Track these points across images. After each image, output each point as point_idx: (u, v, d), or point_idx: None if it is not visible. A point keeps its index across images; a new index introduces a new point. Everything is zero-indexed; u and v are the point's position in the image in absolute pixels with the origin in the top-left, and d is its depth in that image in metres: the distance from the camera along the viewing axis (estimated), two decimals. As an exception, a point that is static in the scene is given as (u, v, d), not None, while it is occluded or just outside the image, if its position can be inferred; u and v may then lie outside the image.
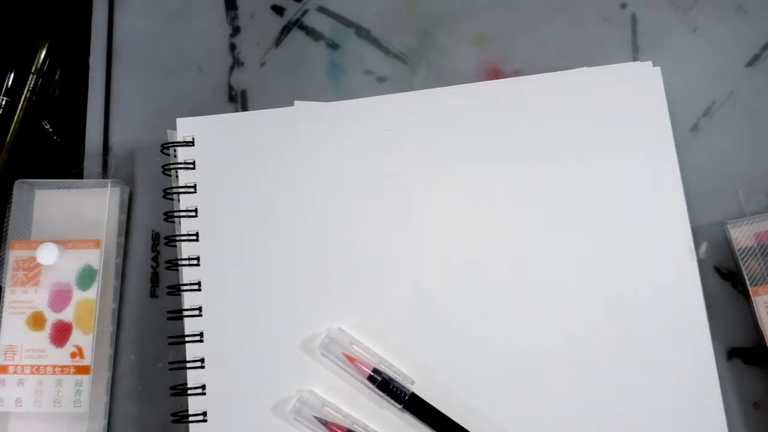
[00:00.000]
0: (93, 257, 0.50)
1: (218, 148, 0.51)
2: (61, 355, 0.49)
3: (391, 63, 0.54)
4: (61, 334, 0.49)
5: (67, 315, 0.49)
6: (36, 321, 0.49)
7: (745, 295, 0.46)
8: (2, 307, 0.50)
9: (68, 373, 0.48)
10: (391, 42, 0.55)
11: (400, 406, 0.45)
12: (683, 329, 0.45)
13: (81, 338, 0.49)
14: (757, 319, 0.45)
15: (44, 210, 0.52)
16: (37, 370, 0.49)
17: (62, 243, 0.50)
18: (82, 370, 0.48)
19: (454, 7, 0.54)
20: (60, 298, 0.50)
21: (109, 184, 0.51)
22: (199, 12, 0.57)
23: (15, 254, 0.50)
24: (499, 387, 0.46)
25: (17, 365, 0.49)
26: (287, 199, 0.49)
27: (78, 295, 0.50)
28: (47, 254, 0.49)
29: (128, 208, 0.54)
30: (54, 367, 0.49)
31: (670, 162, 0.47)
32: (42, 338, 0.49)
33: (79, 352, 0.49)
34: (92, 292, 0.50)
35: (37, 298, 0.50)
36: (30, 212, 0.52)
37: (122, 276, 0.53)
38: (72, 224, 0.51)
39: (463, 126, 0.49)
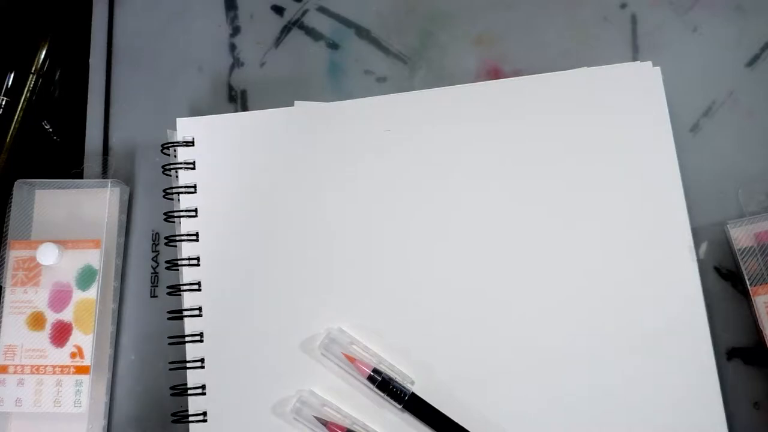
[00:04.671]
0: (93, 257, 0.50)
1: (218, 148, 0.51)
2: (61, 355, 0.49)
3: (391, 63, 0.54)
4: (61, 334, 0.49)
5: (67, 315, 0.49)
6: (36, 321, 0.49)
7: (745, 295, 0.46)
8: (2, 307, 0.50)
9: (68, 373, 0.48)
10: (391, 42, 0.55)
11: (400, 406, 0.45)
12: (683, 329, 0.45)
13: (81, 338, 0.49)
14: (757, 319, 0.45)
15: (44, 210, 0.52)
16: (37, 370, 0.49)
17: (62, 243, 0.50)
18: (82, 370, 0.48)
19: (454, 7, 0.54)
20: (60, 298, 0.50)
21: (109, 184, 0.52)
22: (199, 12, 0.57)
23: (15, 254, 0.50)
24: (499, 387, 0.46)
25: (17, 365, 0.49)
26: (287, 199, 0.49)
27: (78, 295, 0.50)
28: (47, 254, 0.49)
29: (128, 208, 0.54)
30: (54, 367, 0.49)
31: (670, 162, 0.47)
32: (42, 338, 0.49)
33: (79, 353, 0.49)
34: (92, 292, 0.50)
35: (37, 298, 0.50)
36: (30, 212, 0.52)
37: (122, 276, 0.53)
38: (72, 224, 0.51)
39: (463, 126, 0.49)
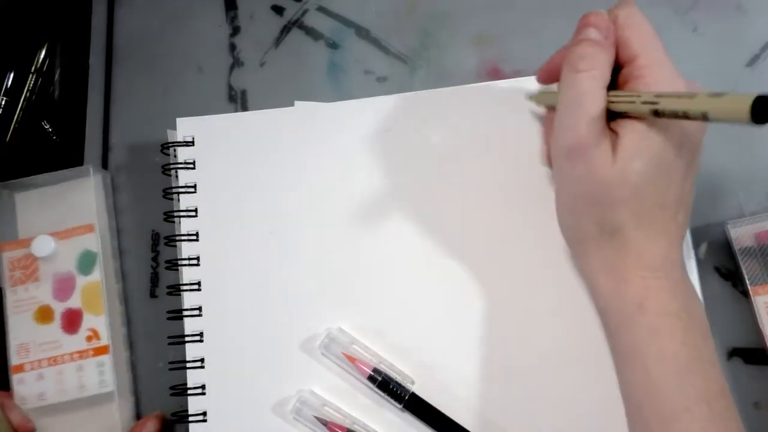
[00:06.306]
0: (89, 241, 0.50)
1: (218, 148, 0.51)
2: (77, 342, 0.49)
3: (391, 63, 0.54)
4: (71, 321, 0.49)
5: (75, 302, 0.49)
6: (43, 314, 0.49)
7: (745, 295, 0.46)
8: (5, 308, 0.50)
9: (87, 356, 0.49)
10: (391, 42, 0.55)
11: (401, 406, 0.45)
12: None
13: (93, 321, 0.49)
14: (757, 319, 0.45)
15: (28, 212, 0.52)
16: (54, 361, 0.49)
17: (55, 235, 0.50)
18: (101, 350, 0.49)
19: (454, 7, 0.54)
20: (64, 286, 0.50)
21: (91, 169, 0.51)
22: (199, 12, 0.57)
23: (7, 255, 0.51)
24: (498, 386, 0.46)
25: (33, 361, 0.49)
26: (287, 199, 0.49)
27: (82, 281, 0.50)
28: (43, 245, 0.49)
29: (122, 207, 0.53)
30: (71, 354, 0.49)
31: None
32: (53, 330, 0.49)
33: (94, 335, 0.49)
34: (96, 275, 0.50)
35: (40, 293, 0.50)
36: (13, 216, 0.52)
37: (122, 276, 0.53)
38: (59, 218, 0.51)
39: (463, 126, 0.49)
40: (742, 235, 0.46)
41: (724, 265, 0.48)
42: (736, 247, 0.46)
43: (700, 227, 0.48)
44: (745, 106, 0.31)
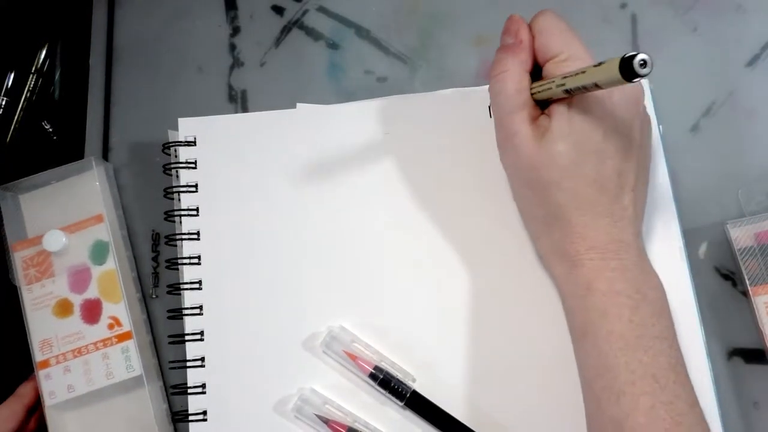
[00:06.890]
0: (100, 231, 0.50)
1: (220, 149, 0.51)
2: (99, 331, 0.49)
3: (391, 63, 0.54)
4: (91, 312, 0.49)
5: (92, 292, 0.50)
6: (62, 308, 0.49)
7: (745, 295, 0.46)
8: (24, 307, 0.50)
9: (111, 344, 0.49)
10: (391, 42, 0.55)
11: (402, 404, 0.45)
12: (676, 330, 0.45)
13: (113, 309, 0.49)
14: (757, 319, 0.45)
15: (34, 211, 0.52)
16: (78, 352, 0.49)
17: (65, 229, 0.50)
18: (124, 337, 0.49)
19: (454, 7, 0.54)
20: (79, 279, 0.50)
21: (93, 161, 0.51)
22: (199, 12, 0.57)
23: (20, 255, 0.51)
24: (500, 384, 0.46)
25: (57, 355, 0.49)
26: (288, 199, 0.49)
27: (97, 271, 0.50)
28: (54, 240, 0.49)
29: (129, 208, 0.53)
30: (95, 344, 0.49)
31: (658, 162, 0.47)
32: (74, 322, 0.49)
33: (115, 322, 0.49)
34: (110, 264, 0.50)
35: (57, 287, 0.50)
36: (20, 218, 0.52)
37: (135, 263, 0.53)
38: (65, 213, 0.51)
39: (464, 129, 0.49)
40: (742, 235, 0.46)
41: (724, 265, 0.48)
42: (736, 247, 0.46)
43: (700, 227, 0.48)
44: (615, 69, 0.34)
